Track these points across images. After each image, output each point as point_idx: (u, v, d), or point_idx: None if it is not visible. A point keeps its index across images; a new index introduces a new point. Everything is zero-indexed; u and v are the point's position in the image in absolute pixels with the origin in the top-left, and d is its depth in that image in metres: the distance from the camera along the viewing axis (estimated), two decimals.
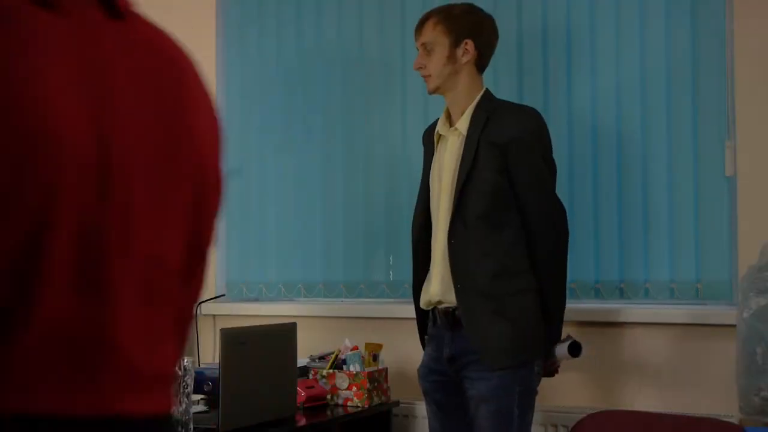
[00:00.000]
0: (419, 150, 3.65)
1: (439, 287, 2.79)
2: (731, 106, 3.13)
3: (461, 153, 2.77)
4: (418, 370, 2.94)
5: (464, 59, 2.81)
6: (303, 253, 3.89)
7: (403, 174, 3.68)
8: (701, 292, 3.17)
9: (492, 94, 2.88)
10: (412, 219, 3.01)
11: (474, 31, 2.83)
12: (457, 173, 2.76)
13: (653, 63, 3.26)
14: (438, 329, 2.83)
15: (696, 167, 3.19)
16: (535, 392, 2.79)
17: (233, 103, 4.09)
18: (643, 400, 3.18)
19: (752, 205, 3.09)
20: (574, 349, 2.78)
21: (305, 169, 3.90)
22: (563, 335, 2.83)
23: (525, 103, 3.41)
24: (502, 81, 3.44)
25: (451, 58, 2.81)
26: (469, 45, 2.81)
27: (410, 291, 3.60)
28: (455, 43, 2.81)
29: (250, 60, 4.05)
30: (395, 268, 3.69)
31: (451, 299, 2.76)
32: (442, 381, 2.84)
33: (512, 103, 2.93)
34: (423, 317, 2.94)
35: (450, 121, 2.88)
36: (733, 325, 2.84)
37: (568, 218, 3.30)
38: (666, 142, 3.23)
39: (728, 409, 2.97)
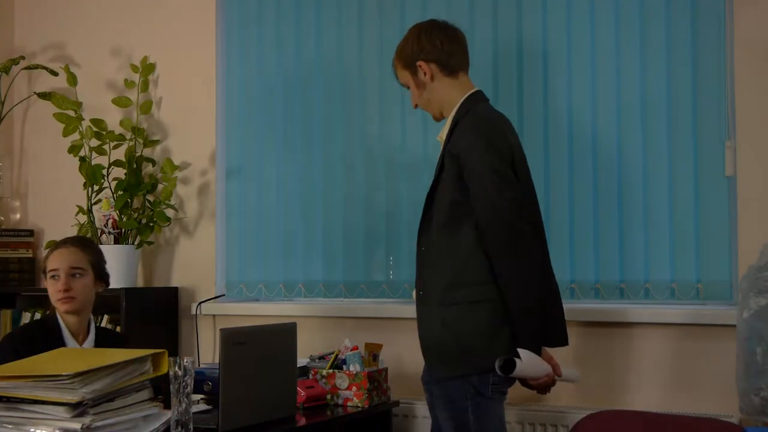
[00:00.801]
0: (419, 150, 3.66)
1: (416, 292, 2.86)
2: (731, 106, 3.13)
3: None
4: None
5: (428, 78, 2.85)
6: (303, 253, 3.89)
7: (403, 174, 3.68)
8: (701, 292, 3.17)
9: (474, 99, 2.82)
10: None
11: (416, 51, 2.86)
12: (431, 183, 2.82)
13: (653, 63, 3.25)
14: None
15: (696, 167, 3.19)
16: (494, 399, 2.70)
17: (233, 103, 4.10)
18: (643, 400, 3.19)
19: (752, 205, 3.09)
20: (504, 367, 2.58)
21: (305, 169, 3.90)
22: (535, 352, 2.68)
23: (526, 106, 3.41)
24: (502, 89, 3.45)
25: (420, 86, 2.87)
26: (422, 65, 2.85)
27: (410, 291, 3.64)
28: (414, 73, 2.87)
29: (251, 61, 4.05)
30: (395, 268, 3.69)
31: None
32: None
33: (480, 110, 2.79)
34: None
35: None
36: (733, 325, 2.83)
37: (570, 221, 3.32)
38: (666, 142, 3.23)
39: (728, 409, 2.97)
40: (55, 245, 3.10)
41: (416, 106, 2.93)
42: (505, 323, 2.65)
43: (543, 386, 2.73)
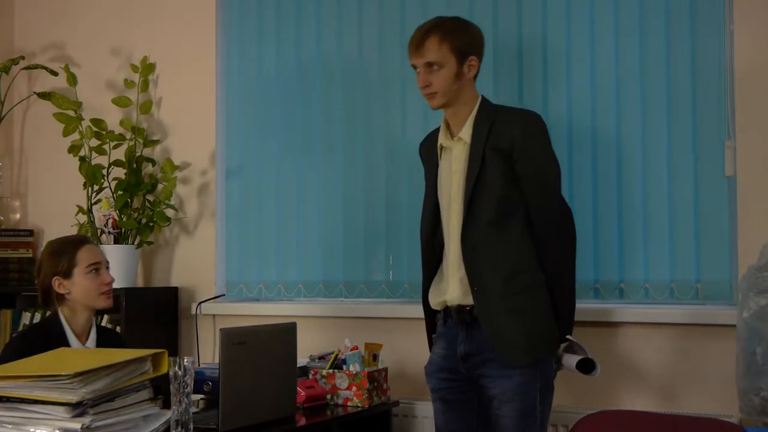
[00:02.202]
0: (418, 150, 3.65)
1: (458, 291, 2.82)
2: (731, 106, 3.13)
3: (467, 161, 2.81)
4: (425, 368, 2.95)
5: (470, 75, 2.85)
6: (303, 253, 3.89)
7: (403, 174, 3.68)
8: (701, 292, 3.17)
9: (488, 101, 2.91)
10: (420, 227, 3.00)
11: (476, 47, 2.87)
12: (465, 181, 2.81)
13: (653, 63, 3.25)
14: (450, 327, 2.87)
15: (696, 167, 3.19)
16: (553, 388, 2.82)
17: (233, 103, 4.09)
18: (643, 400, 3.19)
19: (752, 205, 3.09)
20: (586, 367, 2.79)
21: (305, 169, 3.89)
22: (579, 345, 2.84)
23: (526, 105, 3.41)
24: (502, 83, 3.44)
25: (459, 75, 2.82)
26: (474, 61, 2.85)
27: (410, 291, 3.63)
28: (462, 61, 2.82)
29: (251, 61, 4.05)
30: (395, 268, 3.69)
31: (469, 301, 2.80)
32: (452, 378, 2.86)
33: (511, 107, 2.96)
34: (431, 318, 2.98)
35: (451, 132, 2.91)
36: (733, 325, 2.84)
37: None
38: (666, 142, 3.23)
39: (728, 409, 2.97)
40: (77, 241, 3.05)
41: (428, 86, 2.83)
42: (551, 307, 2.80)
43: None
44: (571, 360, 2.81)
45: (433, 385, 2.92)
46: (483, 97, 2.90)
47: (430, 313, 2.98)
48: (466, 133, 2.84)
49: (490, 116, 2.83)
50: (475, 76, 2.90)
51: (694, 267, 3.17)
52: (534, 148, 2.80)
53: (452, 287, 2.84)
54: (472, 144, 2.82)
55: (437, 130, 2.98)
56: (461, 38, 2.84)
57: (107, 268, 3.05)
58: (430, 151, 3.00)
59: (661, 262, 3.22)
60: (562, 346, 2.84)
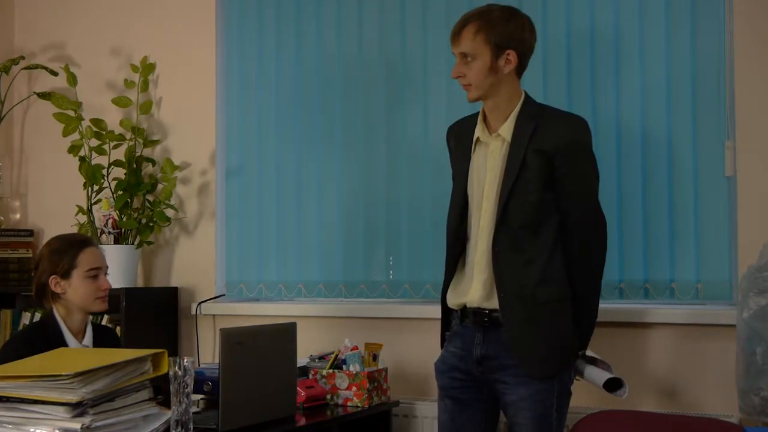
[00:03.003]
0: (419, 150, 3.65)
1: (480, 293, 2.73)
2: (731, 106, 3.13)
3: (506, 160, 2.71)
4: (435, 365, 2.87)
5: (507, 69, 2.72)
6: (302, 253, 3.89)
7: (403, 174, 3.68)
8: (701, 292, 3.17)
9: (532, 99, 2.80)
10: (446, 220, 2.88)
11: (516, 41, 2.72)
12: (502, 181, 2.70)
13: (653, 64, 3.26)
14: (466, 328, 2.78)
15: (696, 167, 3.19)
16: (570, 394, 2.76)
17: (233, 103, 4.09)
18: (643, 399, 3.19)
19: (752, 205, 3.09)
20: (613, 386, 2.75)
21: (305, 169, 3.89)
22: (600, 358, 2.82)
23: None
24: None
25: (493, 68, 2.71)
26: (511, 55, 2.71)
27: (410, 291, 3.63)
28: (497, 54, 2.70)
29: (251, 61, 4.05)
30: (395, 268, 3.69)
31: (490, 304, 2.71)
32: (464, 379, 2.79)
33: (557, 109, 2.84)
34: (447, 314, 2.88)
35: (488, 126, 2.79)
36: (733, 325, 2.84)
37: None
38: (666, 143, 3.23)
39: (728, 409, 2.97)
40: (80, 243, 3.02)
41: (459, 76, 2.74)
42: (574, 321, 2.73)
43: None
44: (597, 376, 2.76)
45: (442, 384, 2.83)
46: (527, 94, 2.78)
47: (446, 310, 2.87)
48: (506, 130, 2.72)
49: (534, 116, 2.72)
50: (519, 71, 2.76)
51: (694, 267, 3.17)
52: (579, 154, 2.71)
53: (475, 288, 2.73)
54: (512, 143, 2.70)
55: (467, 118, 2.87)
56: (499, 30, 2.70)
57: (106, 273, 3.04)
58: (460, 140, 2.86)
59: (661, 262, 3.22)
60: (581, 353, 2.79)
